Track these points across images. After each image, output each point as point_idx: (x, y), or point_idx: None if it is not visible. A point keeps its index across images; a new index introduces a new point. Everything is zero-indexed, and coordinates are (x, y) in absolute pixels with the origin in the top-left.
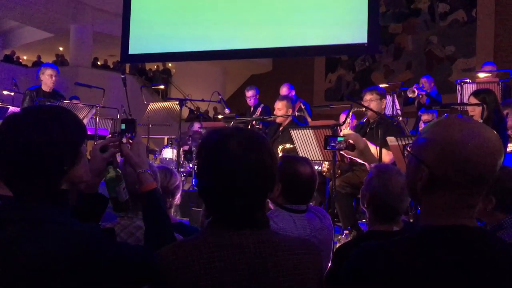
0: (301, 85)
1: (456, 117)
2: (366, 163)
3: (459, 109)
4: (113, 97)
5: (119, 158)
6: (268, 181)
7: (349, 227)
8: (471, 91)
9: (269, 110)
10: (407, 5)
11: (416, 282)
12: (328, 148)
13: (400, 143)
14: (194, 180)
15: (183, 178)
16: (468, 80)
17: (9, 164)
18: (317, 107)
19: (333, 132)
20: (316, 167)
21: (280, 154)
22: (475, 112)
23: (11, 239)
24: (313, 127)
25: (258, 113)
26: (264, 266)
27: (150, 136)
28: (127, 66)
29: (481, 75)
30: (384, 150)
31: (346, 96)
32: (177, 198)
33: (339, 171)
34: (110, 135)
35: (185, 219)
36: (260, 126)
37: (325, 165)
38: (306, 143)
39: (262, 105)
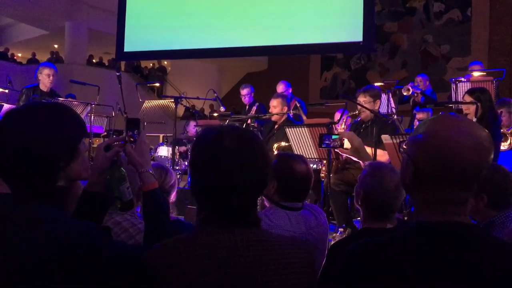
0: (296, 83)
1: (447, 115)
2: (360, 161)
3: (453, 107)
4: (108, 94)
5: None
6: (260, 180)
7: (344, 225)
8: (466, 90)
9: (264, 108)
10: (403, 4)
11: (409, 279)
12: (322, 146)
13: (394, 141)
14: (189, 178)
15: (178, 176)
16: (462, 79)
17: (5, 160)
18: (311, 105)
19: (328, 130)
20: (312, 165)
21: (276, 152)
22: (470, 110)
23: (5, 237)
24: (308, 125)
25: (254, 111)
26: (254, 265)
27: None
28: (123, 63)
29: (476, 73)
30: (380, 151)
31: (341, 95)
32: (173, 196)
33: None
34: (106, 133)
35: (181, 216)
36: (256, 124)
37: (324, 169)
38: (301, 141)
39: (257, 103)
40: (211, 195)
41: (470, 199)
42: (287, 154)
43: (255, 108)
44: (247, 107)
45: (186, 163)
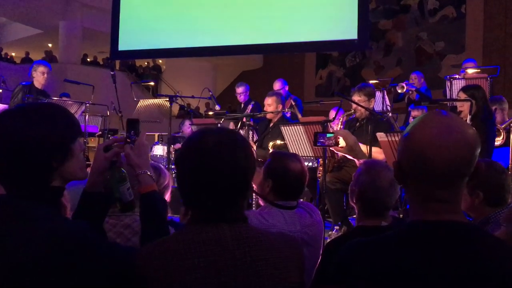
0: (291, 81)
1: (435, 113)
2: (355, 160)
3: (448, 104)
4: (103, 94)
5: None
6: (240, 181)
7: (340, 223)
8: (460, 87)
9: (260, 106)
10: (397, 2)
11: (403, 278)
12: (317, 144)
13: (389, 138)
14: None
15: (173, 175)
16: (457, 76)
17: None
18: (307, 103)
19: (323, 128)
20: (306, 163)
21: (271, 151)
22: (464, 107)
23: None
24: (303, 123)
25: (249, 110)
26: (243, 261)
27: None
28: (117, 62)
29: (470, 71)
30: (377, 149)
31: (336, 93)
32: (167, 197)
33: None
34: (101, 132)
35: (176, 216)
36: (251, 123)
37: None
38: (296, 139)
39: (252, 101)
40: (194, 192)
41: (465, 196)
42: (281, 153)
43: (250, 107)
44: (242, 105)
45: None
